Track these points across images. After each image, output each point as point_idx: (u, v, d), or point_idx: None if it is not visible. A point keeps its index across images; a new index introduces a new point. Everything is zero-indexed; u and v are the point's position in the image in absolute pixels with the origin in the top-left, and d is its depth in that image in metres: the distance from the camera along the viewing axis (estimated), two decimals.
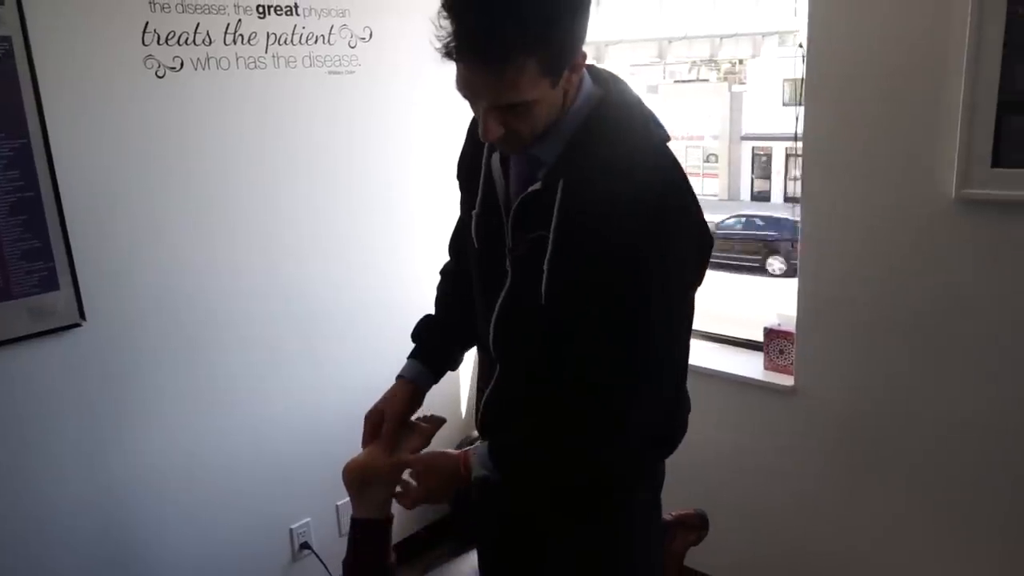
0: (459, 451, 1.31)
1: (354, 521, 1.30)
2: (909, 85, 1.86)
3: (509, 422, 1.34)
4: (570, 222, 1.15)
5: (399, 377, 1.47)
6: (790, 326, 2.25)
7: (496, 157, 1.28)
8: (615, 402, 1.17)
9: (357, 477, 1.31)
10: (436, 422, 1.40)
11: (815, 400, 2.17)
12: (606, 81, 1.21)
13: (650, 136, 1.19)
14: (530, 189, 1.19)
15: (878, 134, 1.92)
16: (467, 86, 1.10)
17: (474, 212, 1.31)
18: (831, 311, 2.09)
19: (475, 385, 1.61)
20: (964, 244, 1.84)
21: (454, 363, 1.53)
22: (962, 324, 1.89)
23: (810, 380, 2.18)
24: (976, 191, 1.79)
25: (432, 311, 1.56)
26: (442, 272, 1.58)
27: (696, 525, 1.73)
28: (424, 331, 1.52)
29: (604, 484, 1.27)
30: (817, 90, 2.01)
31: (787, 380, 2.23)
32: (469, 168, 1.36)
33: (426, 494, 1.29)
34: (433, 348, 1.49)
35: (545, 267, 1.17)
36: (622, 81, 1.24)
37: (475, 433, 2.88)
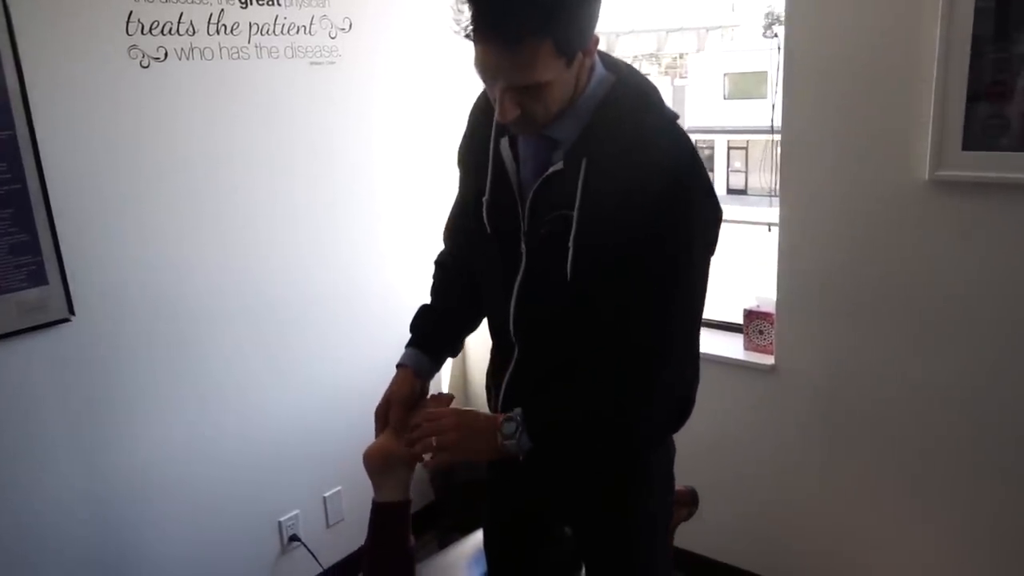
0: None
1: (376, 506, 1.31)
2: (883, 73, 1.94)
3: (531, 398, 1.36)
4: (595, 198, 1.18)
5: (399, 366, 1.46)
6: (768, 307, 2.33)
7: (505, 141, 1.28)
8: (651, 364, 1.21)
9: (378, 461, 1.32)
10: (445, 400, 1.40)
11: (794, 378, 2.26)
12: (616, 65, 1.25)
13: (665, 114, 1.24)
14: (551, 169, 1.21)
15: (854, 121, 2.01)
16: (485, 68, 1.12)
17: (484, 198, 1.32)
18: (809, 292, 2.18)
19: (487, 371, 1.60)
20: (937, 224, 1.94)
21: (453, 350, 1.54)
22: (935, 301, 1.99)
23: (789, 359, 2.26)
24: (948, 173, 1.88)
25: (428, 301, 1.55)
26: (437, 262, 1.57)
27: (687, 501, 1.78)
28: (422, 320, 1.52)
29: (633, 446, 1.31)
30: (794, 81, 2.08)
31: (767, 359, 2.32)
32: (473, 153, 1.37)
33: (456, 442, 1.24)
34: (431, 335, 1.49)
35: (571, 244, 1.19)
36: (631, 66, 1.28)
37: None
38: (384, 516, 1.32)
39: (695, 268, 1.22)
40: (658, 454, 1.42)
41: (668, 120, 1.24)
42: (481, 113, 1.36)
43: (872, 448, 2.18)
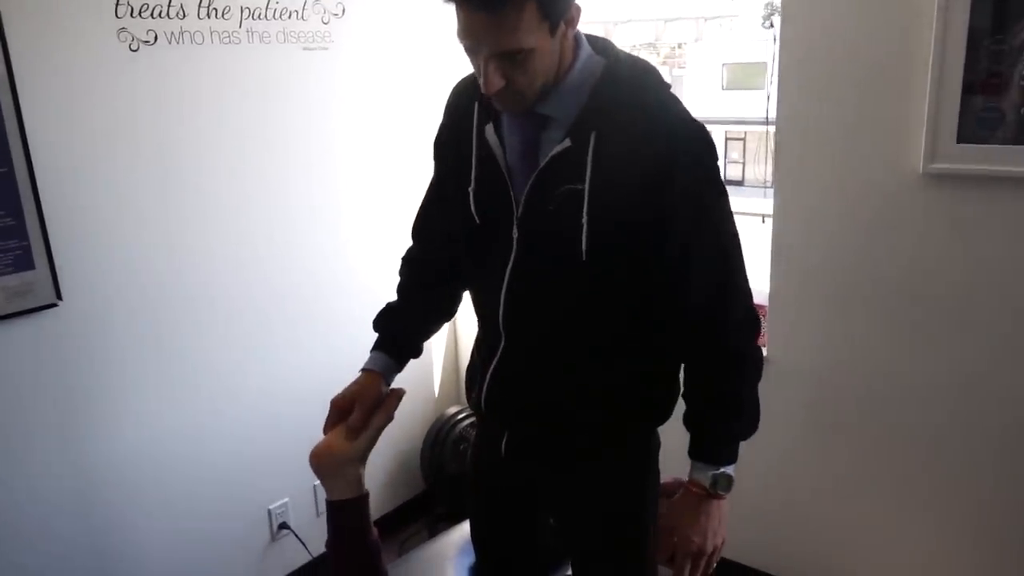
0: (678, 484, 1.38)
1: (330, 504, 1.29)
2: (879, 65, 1.93)
3: (518, 394, 1.36)
4: (606, 171, 1.18)
5: (364, 370, 1.44)
6: (761, 299, 2.32)
7: (490, 128, 1.26)
8: (737, 305, 1.27)
9: (325, 463, 1.29)
10: (397, 395, 1.38)
11: (787, 370, 2.25)
12: (607, 48, 1.25)
13: (665, 86, 1.25)
14: (558, 148, 1.19)
15: (849, 113, 2.00)
16: (469, 33, 1.10)
17: (470, 188, 1.29)
18: (802, 284, 2.17)
19: (468, 365, 1.58)
20: (931, 217, 1.94)
21: (417, 351, 1.51)
22: (928, 294, 1.99)
23: (782, 350, 2.26)
24: (942, 165, 1.88)
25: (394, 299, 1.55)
26: (405, 259, 1.55)
27: (673, 493, 1.78)
28: (387, 320, 1.50)
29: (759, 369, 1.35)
30: (789, 72, 2.07)
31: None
32: (454, 144, 1.35)
33: (702, 542, 1.35)
34: (396, 337, 1.47)
35: (584, 219, 1.18)
36: (625, 50, 1.28)
37: (452, 410, 2.90)
38: (340, 514, 1.29)
39: (724, 208, 1.27)
40: (643, 444, 1.43)
41: (670, 95, 1.25)
42: (461, 103, 1.34)
43: (865, 441, 2.18)
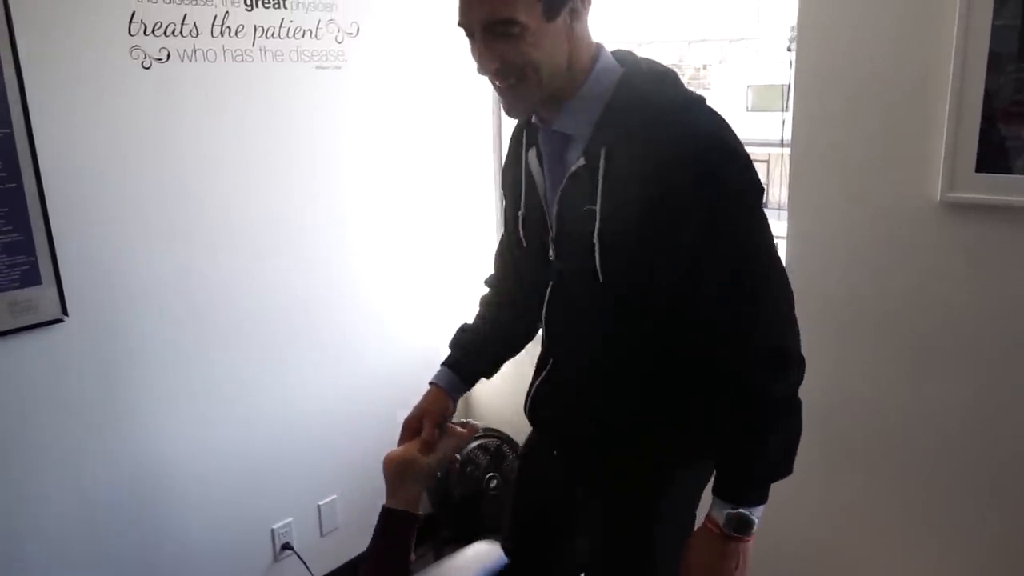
0: (699, 532, 1.30)
1: (386, 510, 1.32)
2: (896, 90, 1.89)
3: (557, 408, 1.40)
4: (617, 188, 1.15)
5: (433, 384, 1.48)
6: None
7: (532, 153, 1.29)
8: (755, 338, 1.19)
9: (396, 468, 1.33)
10: (472, 428, 1.43)
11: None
12: (626, 58, 1.24)
13: (684, 92, 1.20)
14: (573, 168, 1.19)
15: (865, 138, 1.96)
16: (463, 8, 1.13)
17: (520, 213, 1.34)
18: (816, 310, 2.12)
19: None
20: (948, 247, 1.88)
21: (487, 375, 1.56)
22: (943, 325, 1.93)
23: None
24: (960, 195, 1.83)
25: (468, 318, 1.59)
26: (485, 282, 1.60)
27: None
28: (459, 341, 1.55)
29: (795, 408, 1.26)
30: (805, 95, 2.03)
31: None
32: (511, 173, 1.40)
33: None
34: (466, 358, 1.52)
35: (595, 240, 1.17)
36: (648, 57, 1.26)
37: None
38: (392, 522, 1.32)
39: (755, 214, 1.18)
40: (693, 479, 1.41)
41: (690, 97, 1.19)
42: (515, 132, 1.40)
43: (876, 472, 2.12)
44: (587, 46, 1.19)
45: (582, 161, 1.18)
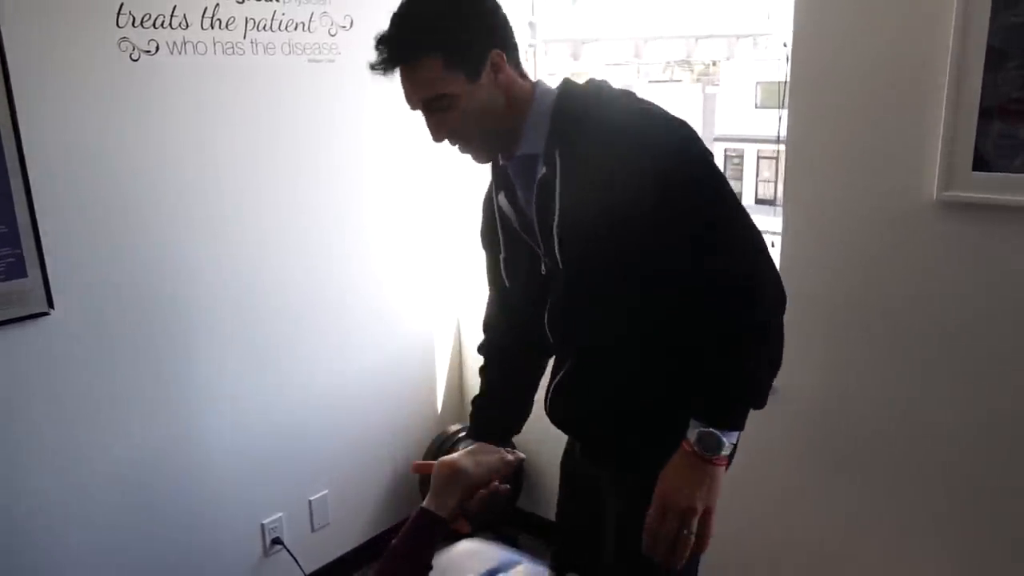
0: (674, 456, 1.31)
1: (423, 511, 1.33)
2: (893, 88, 1.86)
3: (575, 398, 1.46)
4: (574, 181, 1.24)
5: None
6: None
7: (502, 196, 1.39)
8: (743, 275, 1.26)
9: (447, 473, 1.36)
10: (518, 459, 1.46)
11: (790, 399, 2.17)
12: (567, 80, 1.34)
13: (616, 89, 1.32)
14: (538, 177, 1.29)
15: (861, 136, 1.93)
16: (405, 94, 1.28)
17: (502, 257, 1.45)
18: (808, 309, 2.09)
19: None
20: (944, 246, 1.86)
21: (517, 430, 1.63)
22: (940, 325, 1.91)
23: (789, 379, 2.17)
24: (957, 194, 1.80)
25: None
26: (480, 350, 1.64)
27: None
28: (478, 415, 1.62)
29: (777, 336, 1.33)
30: (801, 92, 2.01)
31: None
32: (489, 231, 1.48)
33: (685, 501, 1.26)
34: (488, 429, 1.57)
35: (555, 231, 1.26)
36: (592, 77, 1.36)
37: (453, 427, 2.86)
38: (426, 522, 1.32)
39: (720, 178, 1.26)
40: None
41: (624, 90, 1.31)
42: (487, 198, 1.49)
43: (870, 476, 2.10)
44: (521, 86, 1.30)
45: (543, 169, 1.28)
